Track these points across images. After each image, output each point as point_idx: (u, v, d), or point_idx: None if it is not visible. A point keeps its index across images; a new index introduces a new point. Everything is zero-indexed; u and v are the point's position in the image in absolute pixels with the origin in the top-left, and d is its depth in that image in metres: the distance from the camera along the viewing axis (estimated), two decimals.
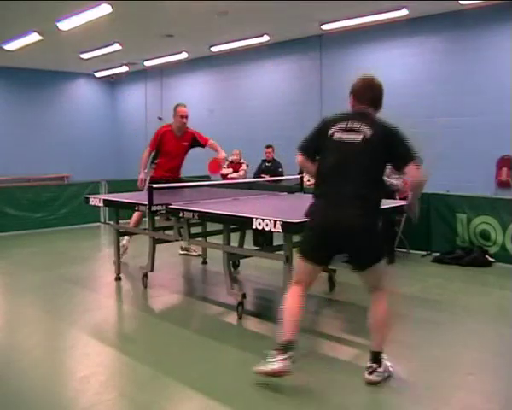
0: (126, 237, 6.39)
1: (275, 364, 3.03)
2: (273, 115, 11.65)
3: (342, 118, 3.23)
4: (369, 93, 3.26)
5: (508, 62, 8.13)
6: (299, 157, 3.33)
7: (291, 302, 3.16)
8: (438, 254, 6.59)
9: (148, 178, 6.45)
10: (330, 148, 3.16)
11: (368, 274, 3.16)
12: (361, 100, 3.26)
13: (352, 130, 3.12)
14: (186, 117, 6.41)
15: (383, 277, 3.20)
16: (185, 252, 6.93)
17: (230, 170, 9.56)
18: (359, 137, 3.08)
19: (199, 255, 6.73)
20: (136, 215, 6.29)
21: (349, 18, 9.18)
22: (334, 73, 10.47)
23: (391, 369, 3.23)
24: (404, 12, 8.70)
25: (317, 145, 3.27)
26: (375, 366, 3.15)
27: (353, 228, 3.01)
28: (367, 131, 3.08)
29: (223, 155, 6.42)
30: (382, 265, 3.16)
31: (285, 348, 3.05)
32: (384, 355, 3.21)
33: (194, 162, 13.33)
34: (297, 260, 3.27)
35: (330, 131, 3.17)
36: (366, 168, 3.08)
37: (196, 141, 6.51)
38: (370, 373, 3.15)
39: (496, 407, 2.98)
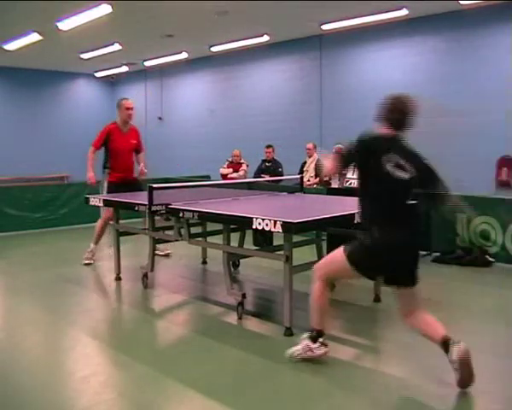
0: (92, 245, 6.44)
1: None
2: (273, 115, 11.65)
3: (389, 148, 3.15)
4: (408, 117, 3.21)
5: (508, 62, 8.13)
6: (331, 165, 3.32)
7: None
8: (438, 254, 6.59)
9: (106, 184, 6.46)
10: (384, 179, 3.13)
11: None
12: (402, 126, 3.22)
13: (401, 167, 3.13)
14: (132, 109, 6.38)
15: None
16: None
17: (230, 170, 9.55)
18: (407, 176, 3.14)
19: (166, 255, 6.70)
20: (101, 223, 6.39)
21: (349, 18, 9.18)
22: (334, 73, 10.47)
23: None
24: (404, 12, 8.70)
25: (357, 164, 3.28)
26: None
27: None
28: (412, 169, 3.14)
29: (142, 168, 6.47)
30: None
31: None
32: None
33: (194, 162, 13.37)
34: None
35: (382, 160, 3.11)
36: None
37: (138, 142, 6.50)
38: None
39: (496, 408, 2.98)
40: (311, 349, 3.41)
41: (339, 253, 3.30)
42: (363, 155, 3.19)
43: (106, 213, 6.28)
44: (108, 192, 6.33)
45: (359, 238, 3.23)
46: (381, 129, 3.26)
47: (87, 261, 6.38)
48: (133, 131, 6.51)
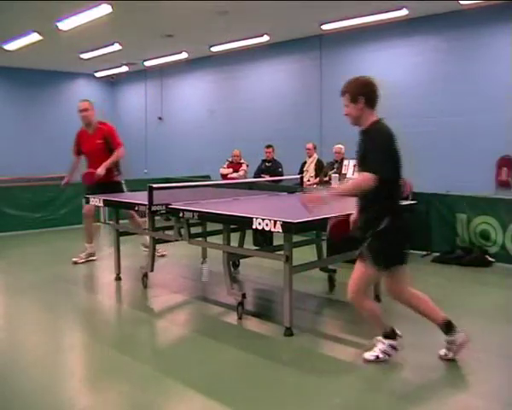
0: (87, 245, 6.45)
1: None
2: (273, 115, 11.65)
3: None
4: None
5: (508, 62, 8.13)
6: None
7: None
8: (438, 254, 6.59)
9: None
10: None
11: None
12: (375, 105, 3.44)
13: None
14: (82, 110, 6.34)
15: None
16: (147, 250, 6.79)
17: (230, 170, 9.54)
18: None
19: (162, 256, 6.65)
20: (88, 225, 6.38)
21: (349, 18, 9.17)
22: (334, 73, 10.46)
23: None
24: (404, 12, 8.70)
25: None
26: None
27: None
28: None
29: (100, 170, 6.11)
30: None
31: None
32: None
33: (194, 162, 13.36)
34: None
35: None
36: None
37: (108, 140, 6.28)
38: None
39: (496, 408, 2.98)
40: (393, 347, 3.52)
41: (363, 270, 3.42)
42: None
43: (85, 208, 6.29)
44: (86, 191, 6.18)
45: (377, 235, 3.28)
46: (372, 114, 3.43)
47: (75, 259, 6.36)
48: (99, 130, 6.36)
